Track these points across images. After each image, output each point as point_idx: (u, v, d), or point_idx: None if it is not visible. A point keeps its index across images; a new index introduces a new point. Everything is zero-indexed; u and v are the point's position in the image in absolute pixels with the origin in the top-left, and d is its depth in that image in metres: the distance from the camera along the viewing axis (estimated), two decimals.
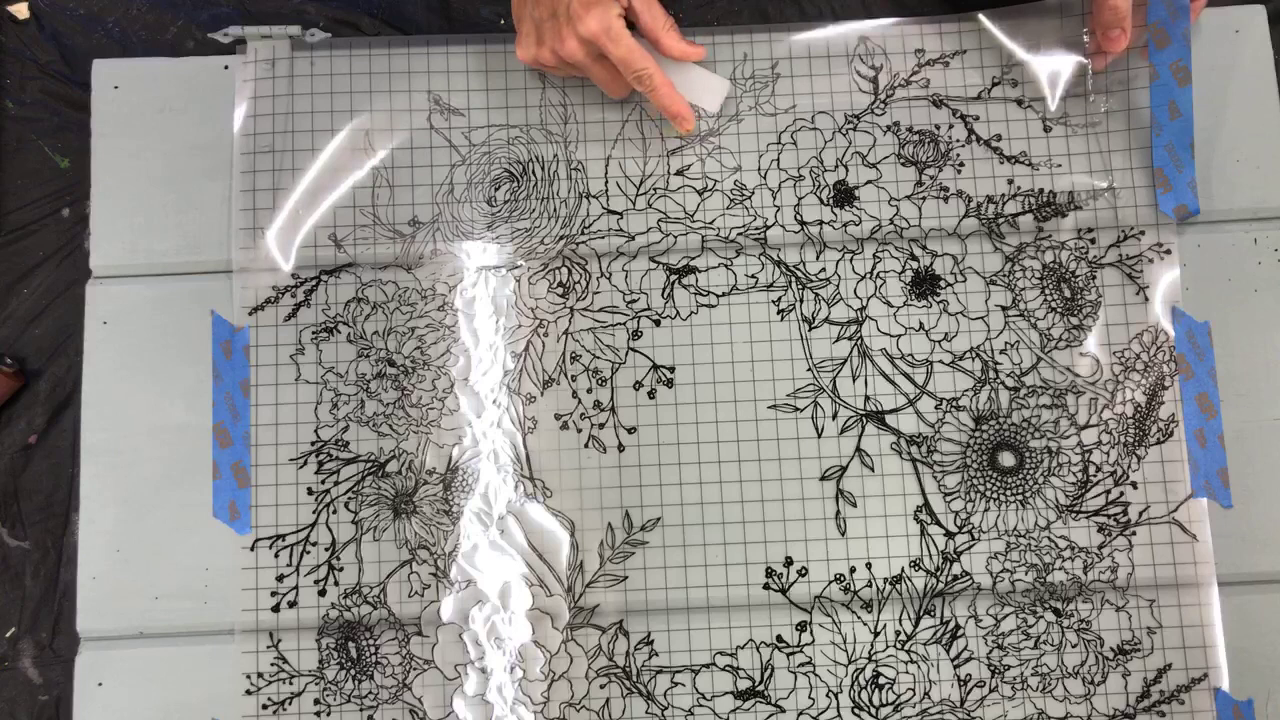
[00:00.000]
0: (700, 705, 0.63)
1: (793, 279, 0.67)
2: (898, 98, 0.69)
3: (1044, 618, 0.64)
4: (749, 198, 0.68)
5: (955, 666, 0.63)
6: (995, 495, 0.65)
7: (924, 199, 0.67)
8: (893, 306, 0.66)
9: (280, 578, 0.64)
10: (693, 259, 0.67)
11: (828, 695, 0.63)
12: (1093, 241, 0.67)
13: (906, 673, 0.63)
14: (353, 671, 0.64)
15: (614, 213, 0.68)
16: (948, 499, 0.65)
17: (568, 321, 0.66)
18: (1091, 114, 0.68)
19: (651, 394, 0.66)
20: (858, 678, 0.63)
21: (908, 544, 0.64)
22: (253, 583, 0.64)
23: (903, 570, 0.64)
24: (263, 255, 0.67)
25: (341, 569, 0.65)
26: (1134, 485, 0.65)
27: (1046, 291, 0.66)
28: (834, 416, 0.66)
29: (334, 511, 0.65)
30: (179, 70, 0.70)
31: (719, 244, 0.67)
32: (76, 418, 0.67)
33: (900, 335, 0.66)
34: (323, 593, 0.64)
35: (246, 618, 0.64)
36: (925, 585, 0.64)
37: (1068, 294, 0.66)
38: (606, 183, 0.68)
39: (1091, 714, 0.63)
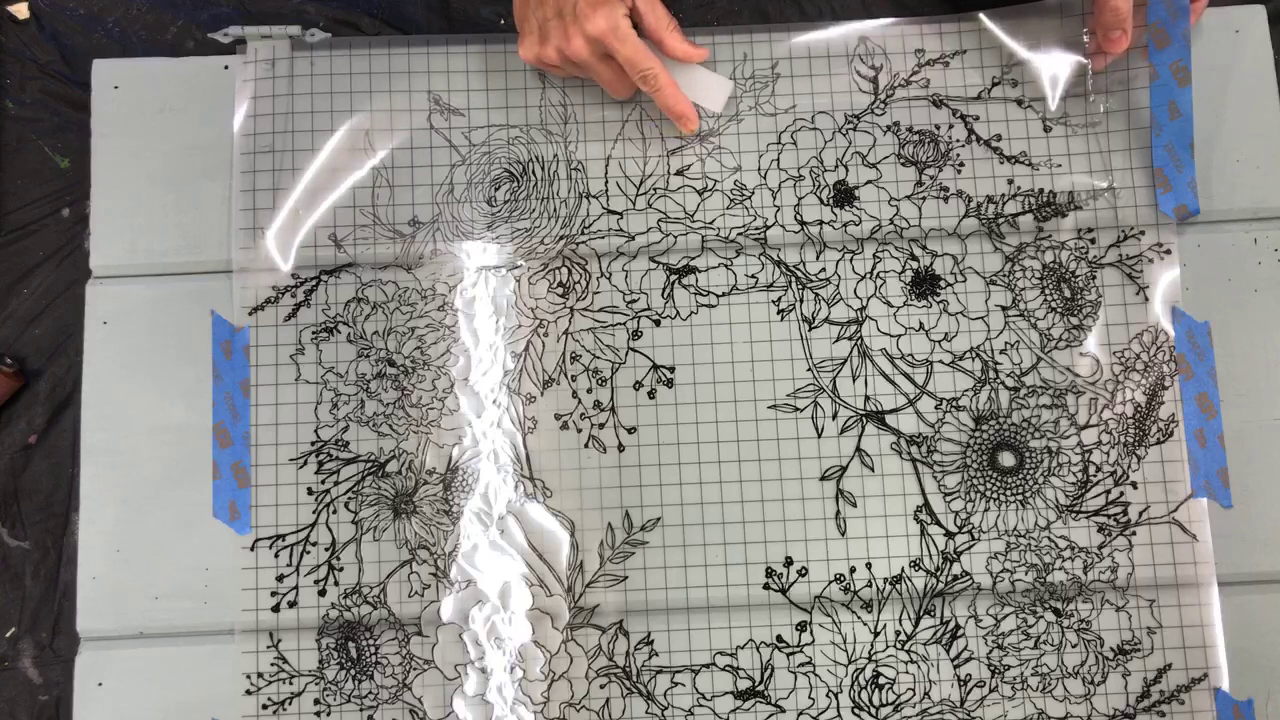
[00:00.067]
0: (700, 705, 0.63)
1: (793, 279, 0.67)
2: (898, 98, 0.69)
3: (1044, 618, 0.64)
4: (749, 198, 0.68)
5: (955, 666, 0.63)
6: (995, 495, 0.65)
7: (924, 199, 0.67)
8: (893, 306, 0.66)
9: (280, 578, 0.64)
10: (693, 259, 0.67)
11: (828, 695, 0.63)
12: (1093, 241, 0.67)
13: (906, 673, 0.63)
14: (353, 671, 0.64)
15: (614, 213, 0.68)
16: (948, 499, 0.65)
17: (568, 321, 0.66)
18: (1091, 114, 0.68)
19: (651, 394, 0.66)
20: (858, 678, 0.63)
21: (908, 544, 0.64)
22: (253, 583, 0.64)
23: (903, 570, 0.64)
24: (263, 255, 0.67)
25: (341, 569, 0.65)
26: (1134, 485, 0.65)
27: (1046, 291, 0.66)
28: (834, 416, 0.66)
29: (334, 511, 0.65)
30: (179, 70, 0.70)
31: (719, 244, 0.67)
32: (76, 418, 0.67)
33: (900, 335, 0.66)
34: (323, 593, 0.64)
35: (246, 618, 0.64)
36: (925, 585, 0.64)
37: (1068, 294, 0.66)
38: (606, 183, 0.68)
39: (1091, 714, 0.63)
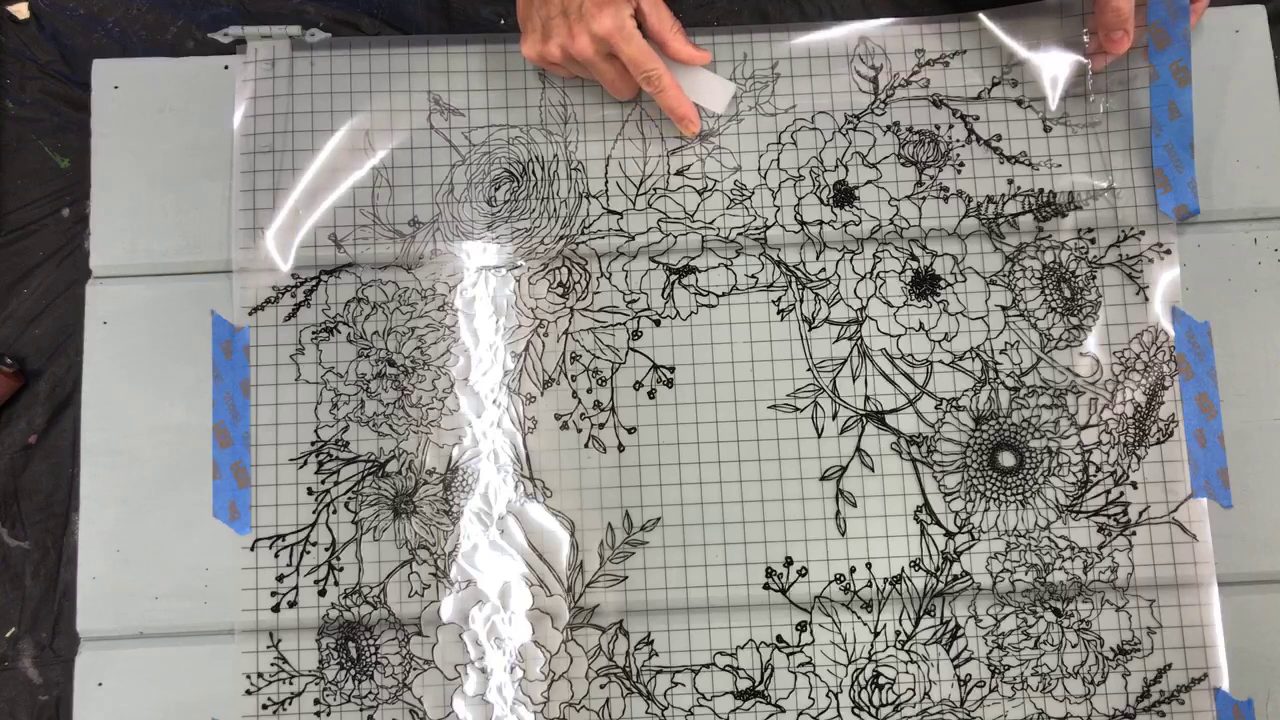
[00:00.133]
0: (700, 705, 0.63)
1: (793, 279, 0.67)
2: (898, 98, 0.69)
3: (1044, 618, 0.64)
4: (749, 198, 0.68)
5: (955, 666, 0.63)
6: (995, 495, 0.65)
7: (924, 199, 0.67)
8: (893, 306, 0.66)
9: (280, 578, 0.64)
10: (693, 259, 0.67)
11: (828, 695, 0.63)
12: (1093, 241, 0.67)
13: (906, 673, 0.63)
14: (353, 671, 0.64)
15: (614, 213, 0.68)
16: (948, 499, 0.65)
17: (568, 321, 0.66)
18: (1091, 114, 0.68)
19: (651, 394, 0.66)
20: (858, 678, 0.63)
21: (908, 544, 0.64)
22: (253, 583, 0.64)
23: (903, 570, 0.64)
24: (263, 255, 0.67)
25: (341, 569, 0.65)
26: (1134, 485, 0.65)
27: (1046, 291, 0.66)
28: (834, 416, 0.66)
29: (334, 511, 0.65)
30: (179, 70, 0.70)
31: (719, 244, 0.67)
32: (76, 418, 0.67)
33: (900, 335, 0.66)
34: (323, 593, 0.64)
35: (246, 618, 0.64)
36: (925, 585, 0.64)
37: (1068, 294, 0.66)
38: (606, 183, 0.68)
39: (1091, 714, 0.63)
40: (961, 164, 0.68)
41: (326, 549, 0.65)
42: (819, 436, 0.65)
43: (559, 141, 0.68)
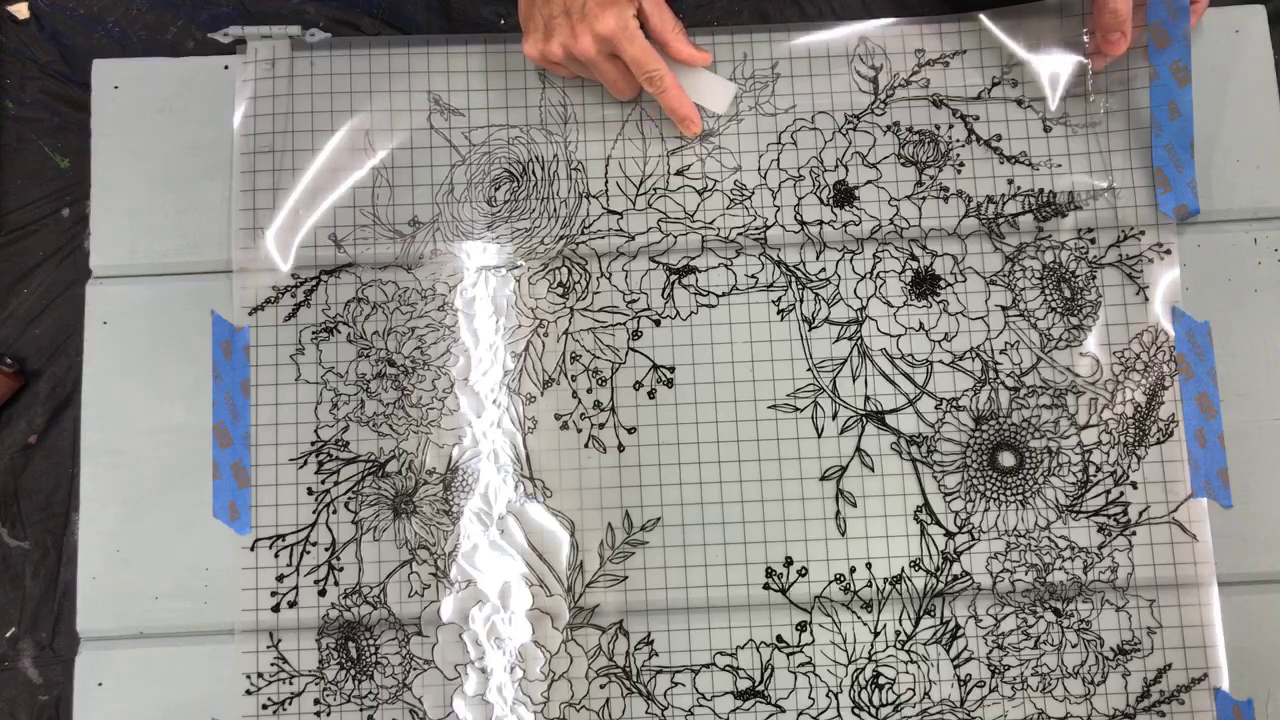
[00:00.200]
0: (700, 705, 0.63)
1: (793, 279, 0.67)
2: (898, 98, 0.69)
3: (1044, 618, 0.64)
4: (749, 198, 0.68)
5: (955, 666, 0.63)
6: (995, 495, 0.65)
7: (924, 199, 0.67)
8: (893, 306, 0.66)
9: (280, 578, 0.64)
10: (693, 259, 0.67)
11: (828, 695, 0.63)
12: (1093, 241, 0.67)
13: (906, 673, 0.63)
14: (353, 671, 0.64)
15: (614, 213, 0.68)
16: (948, 499, 0.65)
17: (568, 321, 0.66)
18: (1091, 114, 0.68)
19: (651, 394, 0.66)
20: (858, 678, 0.63)
21: (908, 544, 0.64)
22: (253, 583, 0.64)
23: (903, 570, 0.64)
24: (262, 255, 0.67)
25: (341, 569, 0.65)
26: (1134, 485, 0.65)
27: (1046, 291, 0.66)
28: (834, 416, 0.66)
29: (334, 511, 0.65)
30: (179, 70, 0.70)
31: (719, 244, 0.67)
32: (76, 418, 0.67)
33: (900, 335, 0.66)
34: (323, 593, 0.64)
35: (246, 618, 0.64)
36: (925, 585, 0.64)
37: (1068, 294, 0.66)
38: (606, 183, 0.68)
39: (1091, 714, 0.63)
40: (961, 164, 0.68)
41: (326, 549, 0.65)
42: (819, 436, 0.65)
43: (559, 141, 0.68)
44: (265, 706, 0.63)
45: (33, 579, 0.66)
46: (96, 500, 0.65)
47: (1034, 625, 0.63)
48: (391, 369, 0.66)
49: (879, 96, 0.69)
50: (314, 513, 0.65)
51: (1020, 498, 0.64)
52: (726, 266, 0.67)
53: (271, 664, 0.64)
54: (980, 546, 0.64)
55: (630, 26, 0.62)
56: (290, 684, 0.64)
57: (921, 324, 0.66)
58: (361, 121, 0.68)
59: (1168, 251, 0.66)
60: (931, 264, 0.67)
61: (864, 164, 0.68)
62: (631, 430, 0.65)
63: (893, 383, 0.66)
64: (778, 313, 0.67)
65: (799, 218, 0.67)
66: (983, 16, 0.69)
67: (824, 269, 0.67)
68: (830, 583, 0.64)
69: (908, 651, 0.63)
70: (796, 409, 0.66)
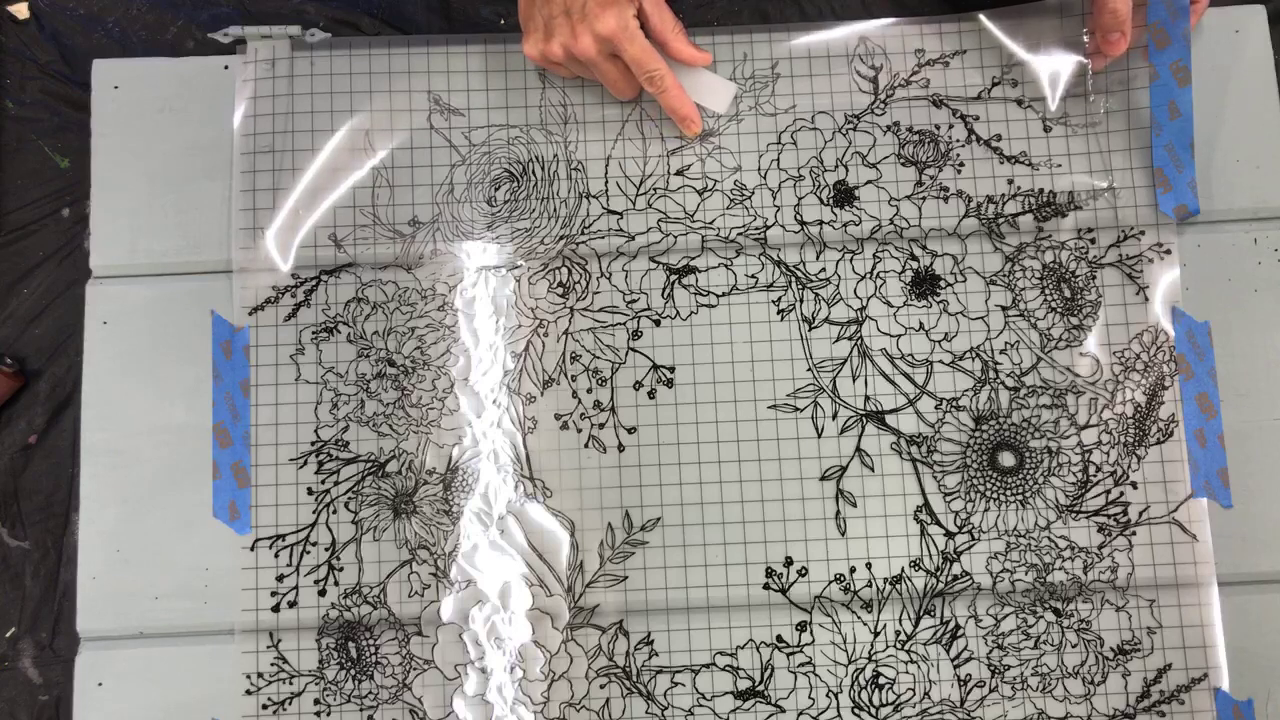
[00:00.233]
0: (700, 705, 0.63)
1: (793, 279, 0.67)
2: (898, 98, 0.69)
3: (1044, 618, 0.64)
4: (749, 198, 0.68)
5: (955, 666, 0.63)
6: (995, 495, 0.65)
7: (924, 199, 0.67)
8: (893, 306, 0.66)
9: (280, 578, 0.64)
10: (693, 259, 0.67)
11: (828, 695, 0.63)
12: (1093, 241, 0.67)
13: (906, 673, 0.63)
14: (353, 671, 0.64)
15: (614, 213, 0.68)
16: (948, 499, 0.65)
17: (568, 321, 0.66)
18: (1091, 114, 0.68)
19: (651, 394, 0.66)
20: (858, 678, 0.63)
21: (908, 544, 0.64)
22: (253, 583, 0.64)
23: (903, 570, 0.64)
24: (262, 255, 0.67)
25: (341, 569, 0.65)
26: (1134, 485, 0.65)
27: (1046, 291, 0.66)
28: (834, 416, 0.66)
29: (334, 511, 0.65)
30: (179, 70, 0.70)
31: (719, 244, 0.67)
32: (76, 418, 0.67)
33: (900, 335, 0.66)
34: (323, 593, 0.64)
35: (246, 618, 0.64)
36: (925, 585, 0.64)
37: (1068, 294, 0.66)
38: (606, 183, 0.68)
39: (1091, 714, 0.63)
40: (961, 164, 0.68)
41: (326, 549, 0.65)
42: (819, 436, 0.65)
43: (559, 141, 0.68)
44: (265, 706, 0.63)
45: (33, 579, 0.66)
46: (96, 500, 0.65)
47: (1034, 625, 0.63)
48: (391, 369, 0.66)
49: (879, 96, 0.69)
50: (314, 513, 0.65)
51: (1020, 498, 0.64)
52: (726, 266, 0.67)
53: (271, 664, 0.64)
54: (980, 546, 0.64)
55: (630, 26, 0.62)
56: (290, 684, 0.64)
57: (921, 324, 0.66)
58: (361, 121, 0.68)
59: (1168, 251, 0.66)
60: (931, 264, 0.67)
61: (864, 164, 0.68)
62: (631, 430, 0.65)
63: (893, 383, 0.66)
64: (778, 313, 0.67)
65: (799, 218, 0.67)
66: (983, 16, 0.69)
67: (824, 269, 0.67)
68: (830, 583, 0.64)
69: (908, 651, 0.63)
70: (796, 409, 0.66)
